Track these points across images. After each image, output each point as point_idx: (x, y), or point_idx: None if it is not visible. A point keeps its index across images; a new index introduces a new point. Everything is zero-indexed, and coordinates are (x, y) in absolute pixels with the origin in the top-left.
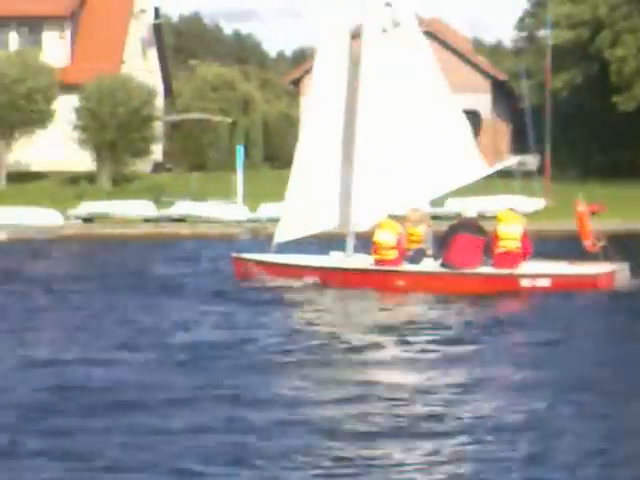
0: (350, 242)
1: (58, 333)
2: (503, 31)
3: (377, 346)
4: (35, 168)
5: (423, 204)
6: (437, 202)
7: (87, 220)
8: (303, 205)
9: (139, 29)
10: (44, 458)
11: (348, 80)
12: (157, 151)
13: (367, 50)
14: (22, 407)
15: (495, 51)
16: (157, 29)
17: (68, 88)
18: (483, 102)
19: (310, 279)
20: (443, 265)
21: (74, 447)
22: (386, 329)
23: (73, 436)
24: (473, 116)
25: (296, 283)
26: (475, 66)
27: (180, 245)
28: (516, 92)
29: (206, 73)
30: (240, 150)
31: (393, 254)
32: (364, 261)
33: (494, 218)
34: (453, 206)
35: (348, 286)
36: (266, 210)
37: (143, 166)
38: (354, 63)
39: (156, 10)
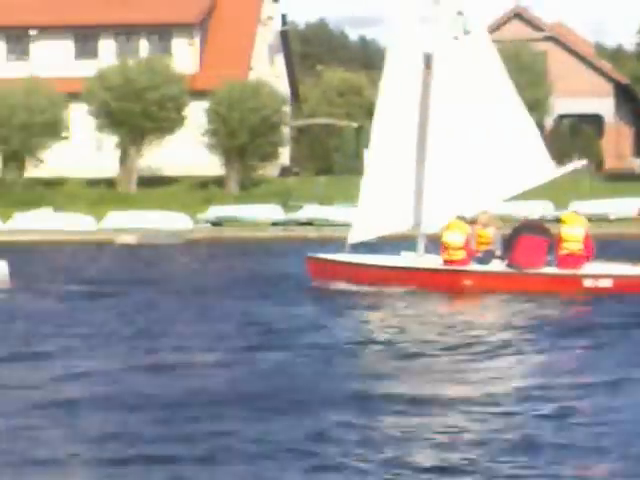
0: (421, 243)
1: (186, 336)
2: (625, 35)
3: (491, 348)
4: (165, 173)
5: (492, 206)
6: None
7: (216, 224)
8: (376, 207)
9: (266, 36)
10: (170, 462)
11: (421, 85)
12: (284, 155)
13: (439, 56)
14: (151, 410)
15: (617, 55)
16: (284, 36)
17: (197, 94)
18: (606, 106)
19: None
20: (509, 266)
21: (199, 452)
22: (490, 330)
23: (199, 441)
24: (596, 120)
25: (367, 285)
26: (598, 70)
27: (307, 248)
28: (639, 95)
29: (332, 78)
30: (366, 154)
31: (461, 254)
32: (434, 261)
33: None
34: (578, 208)
35: (416, 286)
36: None
37: (270, 170)
38: (426, 70)
39: (283, 17)
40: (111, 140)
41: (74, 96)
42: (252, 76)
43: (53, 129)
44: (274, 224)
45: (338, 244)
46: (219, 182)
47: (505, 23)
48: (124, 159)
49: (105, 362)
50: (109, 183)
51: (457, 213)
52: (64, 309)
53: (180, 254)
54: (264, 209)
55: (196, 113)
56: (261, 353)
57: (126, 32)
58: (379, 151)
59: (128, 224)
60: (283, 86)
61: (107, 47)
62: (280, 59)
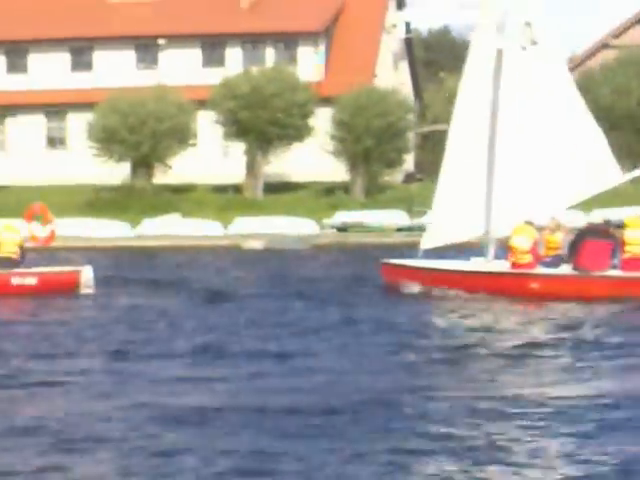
0: (490, 248)
1: (312, 340)
2: None
3: (591, 349)
4: (292, 179)
5: (559, 212)
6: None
7: (341, 229)
8: (448, 213)
9: (391, 43)
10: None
11: (492, 93)
12: (409, 162)
13: (507, 66)
14: (287, 419)
15: None
16: (408, 43)
17: (323, 101)
18: None
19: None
20: (574, 269)
21: (336, 461)
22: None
23: (337, 446)
24: None
25: (438, 288)
26: None
27: (431, 254)
28: None
29: (455, 85)
30: None
31: (528, 258)
32: (502, 266)
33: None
34: None
35: (485, 289)
36: None
37: (395, 176)
38: (496, 78)
39: (407, 25)
40: (238, 146)
41: (201, 103)
42: (376, 83)
43: (181, 136)
44: (399, 230)
45: (463, 249)
46: (345, 188)
47: (629, 28)
48: (251, 165)
49: (231, 367)
50: (236, 189)
51: (525, 218)
52: (186, 313)
53: (306, 259)
54: (389, 215)
55: (322, 120)
56: (388, 357)
57: (252, 41)
58: (452, 159)
59: (255, 230)
60: (407, 93)
61: (234, 55)
62: (404, 66)
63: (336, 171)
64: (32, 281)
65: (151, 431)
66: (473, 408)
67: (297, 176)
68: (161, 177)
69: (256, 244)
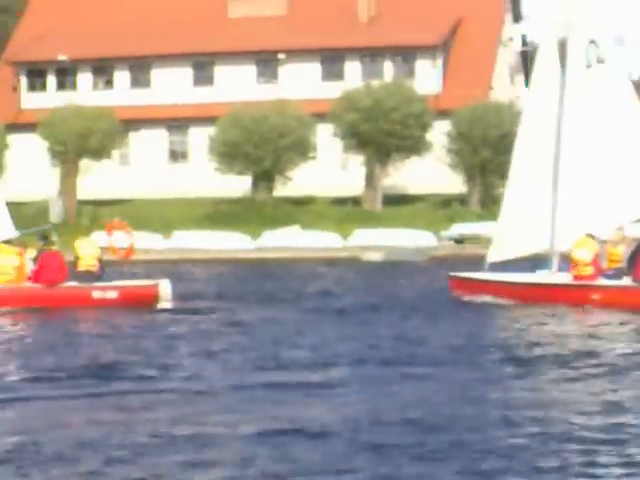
0: (554, 261)
1: (429, 354)
2: None
3: None
4: (410, 191)
5: (623, 226)
6: None
7: (458, 241)
8: (514, 227)
9: (507, 56)
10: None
11: (557, 108)
12: None
13: (572, 82)
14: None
15: None
16: (524, 56)
17: (440, 114)
18: None
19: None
20: (633, 281)
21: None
22: None
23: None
24: None
25: (502, 299)
26: None
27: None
28: None
29: None
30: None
31: (590, 270)
32: (565, 278)
33: None
34: None
35: (548, 300)
36: None
37: None
38: (561, 94)
39: (523, 38)
40: (356, 159)
41: (320, 117)
42: (493, 96)
43: (301, 149)
44: None
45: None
46: (462, 200)
47: None
48: (370, 178)
49: (350, 379)
50: (355, 201)
51: (587, 231)
52: (305, 325)
53: (423, 271)
54: None
55: (439, 132)
56: (499, 370)
57: (371, 54)
58: (518, 172)
59: (374, 241)
60: (523, 106)
61: (353, 69)
62: (520, 79)
63: (453, 183)
64: (113, 294)
65: (273, 445)
66: (589, 423)
67: (415, 188)
68: (281, 190)
69: (375, 256)
